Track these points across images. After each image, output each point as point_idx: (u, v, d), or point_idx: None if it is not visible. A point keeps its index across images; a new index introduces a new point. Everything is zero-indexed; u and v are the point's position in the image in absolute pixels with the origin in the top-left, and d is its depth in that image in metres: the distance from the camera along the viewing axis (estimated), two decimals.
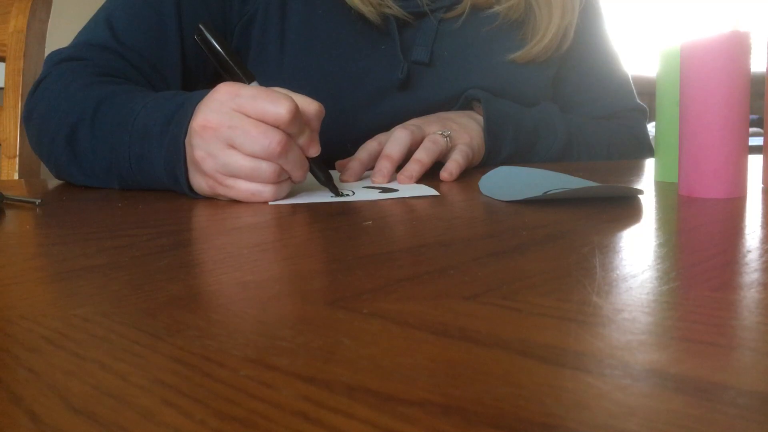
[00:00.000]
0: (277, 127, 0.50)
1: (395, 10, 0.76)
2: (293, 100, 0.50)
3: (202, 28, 0.55)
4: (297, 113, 0.50)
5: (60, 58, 0.71)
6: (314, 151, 0.54)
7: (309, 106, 0.52)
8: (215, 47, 0.55)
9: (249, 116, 0.50)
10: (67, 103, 0.64)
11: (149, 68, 0.72)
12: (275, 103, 0.49)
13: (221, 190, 0.52)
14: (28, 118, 0.69)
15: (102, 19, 0.72)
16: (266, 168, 0.50)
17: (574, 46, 0.89)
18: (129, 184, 0.60)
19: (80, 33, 0.74)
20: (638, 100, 0.95)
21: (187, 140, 0.53)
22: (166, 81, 0.73)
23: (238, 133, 0.49)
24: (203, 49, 0.56)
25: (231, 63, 0.55)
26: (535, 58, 0.83)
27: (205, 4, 0.74)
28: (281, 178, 0.52)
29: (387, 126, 0.69)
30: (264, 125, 0.49)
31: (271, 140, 0.49)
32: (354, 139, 0.68)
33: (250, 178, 0.51)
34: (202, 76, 0.77)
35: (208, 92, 0.54)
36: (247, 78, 0.55)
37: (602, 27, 0.93)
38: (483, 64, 0.81)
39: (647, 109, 0.95)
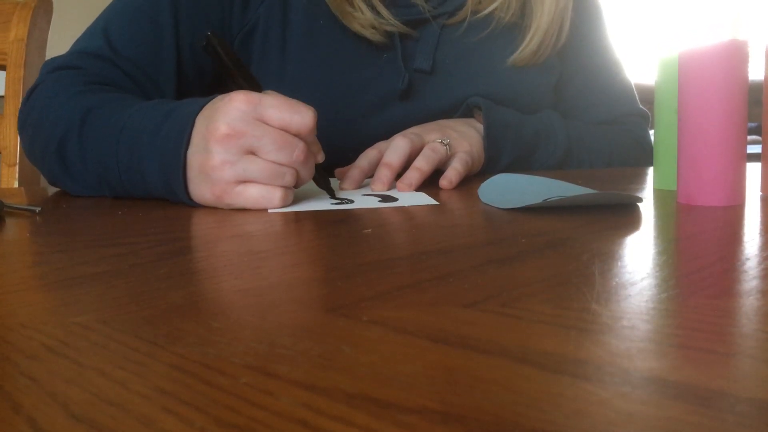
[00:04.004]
0: (298, 134, 0.51)
1: (398, 26, 0.77)
2: (312, 108, 0.52)
3: (210, 37, 0.55)
4: (316, 121, 0.52)
5: (54, 66, 0.71)
6: (321, 157, 0.56)
7: None
8: (223, 57, 0.55)
9: (272, 125, 0.51)
10: (56, 112, 0.63)
11: (144, 78, 0.72)
12: (299, 113, 0.51)
13: (229, 199, 0.52)
14: (22, 127, 0.69)
15: (99, 28, 0.73)
16: (285, 172, 0.52)
17: (576, 52, 0.89)
18: (120, 193, 0.60)
19: (77, 41, 0.74)
20: (640, 106, 0.95)
21: (196, 148, 0.52)
22: (160, 91, 0.73)
23: (265, 141, 0.50)
24: (211, 57, 0.56)
25: (238, 73, 0.56)
26: (535, 56, 0.83)
27: (205, 15, 0.75)
28: (294, 183, 0.53)
29: (388, 135, 0.69)
30: (287, 134, 0.51)
31: (295, 149, 0.51)
32: (355, 149, 0.68)
33: (267, 181, 0.51)
34: (198, 86, 0.77)
35: (204, 100, 0.55)
36: (254, 88, 0.55)
37: (604, 33, 0.93)
38: (484, 71, 0.82)
39: (649, 115, 0.95)
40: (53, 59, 0.72)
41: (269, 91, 0.53)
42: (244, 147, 0.50)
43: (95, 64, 0.70)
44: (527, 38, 0.82)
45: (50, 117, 0.64)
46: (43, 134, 0.64)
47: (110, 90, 0.67)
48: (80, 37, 0.75)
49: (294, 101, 0.52)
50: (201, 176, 0.52)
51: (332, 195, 0.57)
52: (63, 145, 0.61)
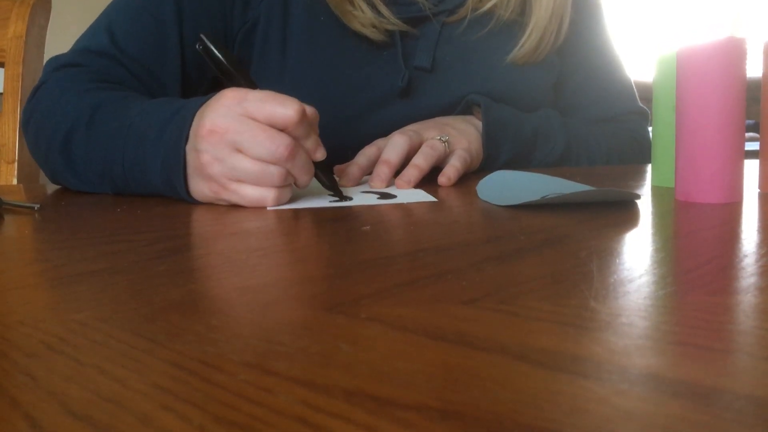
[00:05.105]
0: (285, 129, 0.50)
1: (398, 24, 0.77)
2: (300, 103, 0.51)
3: (204, 38, 0.55)
4: (304, 115, 0.51)
5: (59, 63, 0.71)
6: (320, 154, 0.54)
7: (308, 109, 0.53)
8: (217, 57, 0.55)
9: (257, 120, 0.50)
10: (63, 109, 0.64)
11: (148, 76, 0.72)
12: (283, 105, 0.50)
13: (225, 195, 0.52)
14: (26, 124, 0.69)
15: (102, 26, 0.73)
16: (273, 171, 0.51)
17: (575, 50, 0.89)
18: (122, 190, 0.60)
19: (80, 39, 0.74)
20: (640, 104, 0.95)
21: (190, 146, 0.53)
22: (164, 88, 0.73)
23: (246, 137, 0.50)
24: (205, 58, 0.56)
25: (234, 72, 0.55)
26: (535, 54, 0.83)
27: (207, 12, 0.75)
28: (287, 182, 0.52)
29: (388, 133, 0.69)
30: (271, 130, 0.50)
31: (279, 144, 0.50)
32: (355, 147, 0.68)
33: (256, 182, 0.51)
34: (202, 84, 0.77)
35: (206, 98, 0.55)
36: (250, 86, 0.55)
37: (604, 30, 0.93)
38: (484, 68, 0.82)
39: (649, 113, 0.95)
40: (57, 57, 0.72)
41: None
42: (229, 143, 0.50)
43: (100, 61, 0.70)
44: (525, 34, 0.82)
45: (57, 113, 0.64)
46: (49, 129, 0.64)
47: (116, 88, 0.67)
48: (83, 34, 0.75)
49: (281, 95, 0.51)
50: (196, 173, 0.53)
51: (340, 195, 0.56)
52: (69, 139, 0.61)
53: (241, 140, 0.50)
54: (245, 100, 0.50)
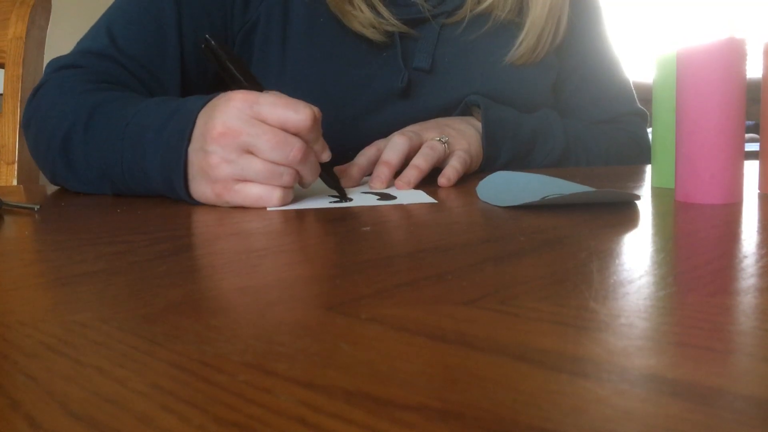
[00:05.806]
0: (297, 133, 0.51)
1: (398, 25, 0.77)
2: (312, 108, 0.51)
3: (210, 39, 0.55)
4: (316, 120, 0.51)
5: (59, 65, 0.71)
6: (326, 156, 0.55)
7: (315, 111, 0.53)
8: (223, 59, 0.55)
9: (269, 124, 0.50)
10: (62, 110, 0.64)
11: (148, 76, 0.72)
12: (296, 111, 0.50)
13: (228, 197, 0.52)
14: (26, 125, 0.70)
15: (102, 27, 0.73)
16: (283, 172, 0.51)
17: (574, 50, 0.89)
18: (121, 191, 0.60)
19: (81, 41, 0.75)
20: (639, 105, 0.95)
21: (195, 147, 0.52)
22: (164, 89, 0.73)
23: (261, 140, 0.50)
24: (210, 60, 0.56)
25: (239, 75, 0.55)
26: (533, 54, 0.83)
27: (206, 13, 0.75)
28: (294, 183, 0.53)
29: (388, 133, 0.70)
30: (284, 133, 0.51)
31: (292, 148, 0.50)
32: (355, 147, 0.69)
33: (265, 182, 0.51)
34: (202, 84, 0.77)
35: (206, 98, 0.55)
36: (255, 87, 0.55)
37: (603, 31, 0.93)
38: (483, 69, 0.82)
39: (647, 114, 0.95)
40: (58, 59, 0.73)
41: (271, 91, 0.53)
42: (240, 145, 0.50)
43: (100, 63, 0.70)
44: (523, 34, 0.82)
45: (56, 114, 0.64)
46: (48, 130, 0.64)
47: (115, 88, 0.67)
48: (84, 36, 0.75)
49: (293, 100, 0.51)
50: (200, 174, 0.52)
51: (343, 195, 0.56)
52: (68, 140, 0.62)
53: (255, 143, 0.50)
54: (257, 103, 0.51)
